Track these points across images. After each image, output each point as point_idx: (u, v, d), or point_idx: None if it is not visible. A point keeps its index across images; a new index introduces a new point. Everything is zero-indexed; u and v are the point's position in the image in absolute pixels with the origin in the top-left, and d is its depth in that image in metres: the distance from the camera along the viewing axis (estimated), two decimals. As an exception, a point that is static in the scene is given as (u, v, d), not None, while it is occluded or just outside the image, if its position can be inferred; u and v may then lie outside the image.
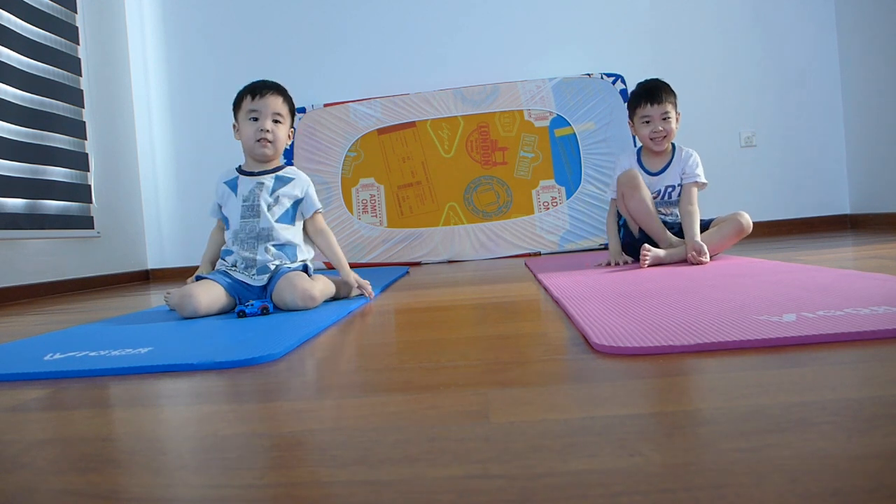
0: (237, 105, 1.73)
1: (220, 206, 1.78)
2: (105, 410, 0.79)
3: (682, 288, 1.40)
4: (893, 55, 3.19)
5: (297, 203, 1.74)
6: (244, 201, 1.70)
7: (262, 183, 1.70)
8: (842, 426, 0.51)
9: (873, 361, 0.71)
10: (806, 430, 0.50)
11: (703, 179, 2.10)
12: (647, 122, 2.08)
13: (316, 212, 1.76)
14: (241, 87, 1.74)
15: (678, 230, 2.09)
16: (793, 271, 1.55)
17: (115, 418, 0.74)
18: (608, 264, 2.17)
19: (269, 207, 1.68)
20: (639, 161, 2.19)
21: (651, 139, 2.09)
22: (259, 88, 1.69)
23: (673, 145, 2.16)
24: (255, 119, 1.68)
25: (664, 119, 2.07)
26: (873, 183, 3.45)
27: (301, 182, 1.75)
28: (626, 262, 2.16)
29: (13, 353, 1.19)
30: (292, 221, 1.73)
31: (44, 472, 0.55)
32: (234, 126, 1.76)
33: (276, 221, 1.68)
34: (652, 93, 2.08)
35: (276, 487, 0.48)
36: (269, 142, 1.68)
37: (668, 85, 2.12)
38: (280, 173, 1.74)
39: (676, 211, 2.14)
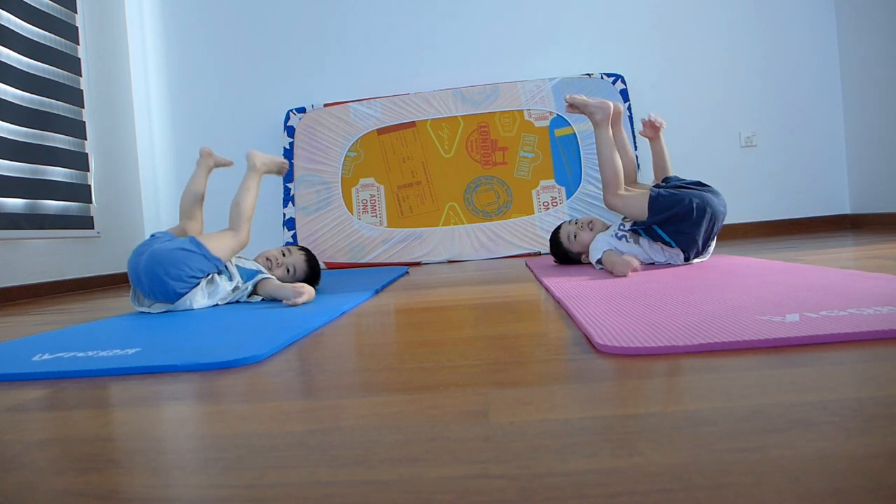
0: None
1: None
2: (104, 411, 0.78)
3: (684, 288, 1.40)
4: (893, 55, 3.19)
5: None
6: None
7: None
8: (842, 426, 0.51)
9: (874, 361, 0.71)
10: (806, 430, 0.50)
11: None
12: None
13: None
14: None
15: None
16: (795, 271, 1.55)
17: (115, 418, 0.74)
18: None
19: None
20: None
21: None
22: None
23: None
24: None
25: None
26: (873, 183, 3.45)
27: None
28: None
29: (3, 353, 1.19)
30: None
31: (44, 472, 0.55)
32: None
33: None
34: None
35: (276, 487, 0.48)
36: None
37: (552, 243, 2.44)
38: None
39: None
